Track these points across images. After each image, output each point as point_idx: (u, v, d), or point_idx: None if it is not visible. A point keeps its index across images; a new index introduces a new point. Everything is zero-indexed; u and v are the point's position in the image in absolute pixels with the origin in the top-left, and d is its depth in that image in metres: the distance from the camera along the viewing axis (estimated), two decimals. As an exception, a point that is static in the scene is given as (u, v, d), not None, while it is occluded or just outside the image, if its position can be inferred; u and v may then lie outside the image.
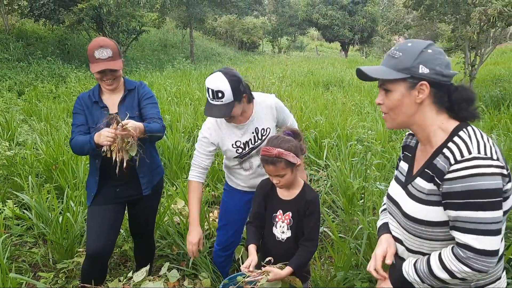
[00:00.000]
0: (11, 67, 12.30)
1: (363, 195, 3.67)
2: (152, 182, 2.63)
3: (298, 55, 33.06)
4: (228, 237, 2.77)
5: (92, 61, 2.37)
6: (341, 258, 2.93)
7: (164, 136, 5.30)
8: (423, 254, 1.47)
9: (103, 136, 2.17)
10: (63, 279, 2.99)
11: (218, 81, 2.18)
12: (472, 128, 1.38)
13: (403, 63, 1.35)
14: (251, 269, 1.97)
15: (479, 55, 11.09)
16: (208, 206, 4.05)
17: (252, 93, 2.43)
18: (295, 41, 38.12)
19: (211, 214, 3.74)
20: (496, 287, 1.44)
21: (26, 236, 3.54)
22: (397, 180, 1.61)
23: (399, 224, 1.55)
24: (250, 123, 2.44)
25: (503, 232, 1.33)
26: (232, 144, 2.44)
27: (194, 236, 2.46)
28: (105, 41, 2.40)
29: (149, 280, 2.40)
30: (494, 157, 1.28)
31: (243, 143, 2.45)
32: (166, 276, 2.51)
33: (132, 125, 2.19)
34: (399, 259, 1.55)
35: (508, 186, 1.29)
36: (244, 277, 2.35)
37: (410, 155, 1.59)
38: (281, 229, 2.10)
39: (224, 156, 2.65)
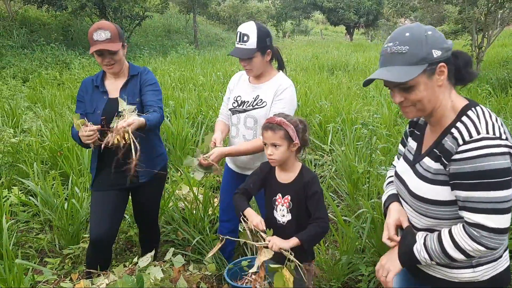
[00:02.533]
0: (15, 54, 12.28)
1: (368, 180, 3.65)
2: (151, 169, 2.54)
3: (303, 39, 32.76)
4: (225, 205, 2.81)
5: (91, 43, 2.37)
6: (346, 242, 2.93)
7: (168, 122, 5.31)
8: (429, 231, 1.48)
9: (82, 136, 2.24)
10: (69, 265, 3.02)
11: (248, 26, 2.40)
12: (481, 107, 1.37)
13: (418, 55, 1.30)
14: (261, 228, 1.96)
15: (486, 37, 10.90)
16: (213, 192, 4.05)
17: (281, 72, 2.58)
18: (300, 25, 37.69)
19: (215, 200, 3.75)
20: (498, 265, 1.45)
21: (32, 223, 3.57)
22: (406, 159, 1.61)
23: (406, 202, 1.56)
24: (258, 88, 2.55)
25: None
26: (235, 96, 2.63)
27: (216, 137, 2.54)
28: (104, 23, 2.39)
29: (154, 265, 2.42)
30: (503, 136, 1.29)
31: (242, 100, 2.59)
32: (171, 261, 2.53)
33: (135, 127, 2.19)
34: (412, 227, 1.55)
35: None
36: (249, 262, 2.36)
37: (419, 133, 1.58)
38: (282, 213, 2.10)
39: None
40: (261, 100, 2.51)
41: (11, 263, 2.64)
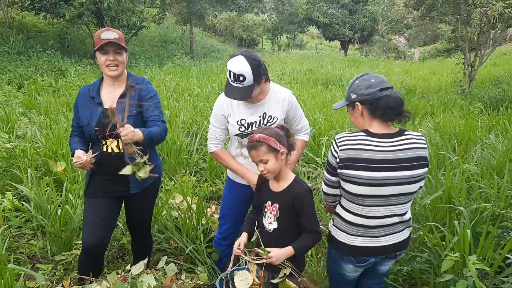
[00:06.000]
0: (11, 60, 12.26)
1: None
2: (144, 181, 2.50)
3: (298, 53, 33.03)
4: (226, 228, 2.83)
5: (97, 42, 2.38)
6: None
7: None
8: None
9: (73, 161, 2.37)
10: (62, 271, 3.01)
11: (240, 65, 2.28)
12: (361, 132, 1.98)
13: (346, 94, 2.09)
14: (241, 247, 2.10)
15: (479, 56, 11.09)
16: (206, 201, 4.07)
17: (271, 82, 2.55)
18: (295, 39, 38.05)
19: (208, 209, 3.77)
20: None
21: (25, 228, 3.55)
22: None
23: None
24: (260, 106, 2.52)
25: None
26: (237, 121, 2.52)
27: (254, 177, 2.48)
28: (111, 28, 2.45)
29: (147, 273, 2.43)
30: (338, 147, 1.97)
31: (248, 123, 2.52)
32: (164, 269, 2.54)
33: (129, 138, 2.22)
34: None
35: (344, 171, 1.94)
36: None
37: None
38: (269, 220, 2.15)
39: (229, 142, 2.72)
40: (270, 116, 2.52)
41: (3, 267, 2.63)
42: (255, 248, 2.02)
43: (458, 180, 3.60)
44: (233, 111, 2.54)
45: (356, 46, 38.41)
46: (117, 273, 2.41)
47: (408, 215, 2.07)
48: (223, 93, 2.54)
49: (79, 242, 3.19)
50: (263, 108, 2.52)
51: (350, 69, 17.70)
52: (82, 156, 2.35)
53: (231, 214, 2.80)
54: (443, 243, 2.81)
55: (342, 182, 1.99)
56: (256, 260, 1.98)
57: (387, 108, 1.91)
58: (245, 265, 2.12)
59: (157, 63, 16.70)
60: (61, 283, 2.79)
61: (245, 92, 2.33)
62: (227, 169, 2.78)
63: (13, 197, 3.75)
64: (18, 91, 9.60)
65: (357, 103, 1.99)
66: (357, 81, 2.00)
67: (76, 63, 13.66)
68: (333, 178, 2.02)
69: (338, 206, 2.11)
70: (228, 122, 2.56)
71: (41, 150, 4.79)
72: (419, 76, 15.28)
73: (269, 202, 2.16)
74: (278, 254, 1.99)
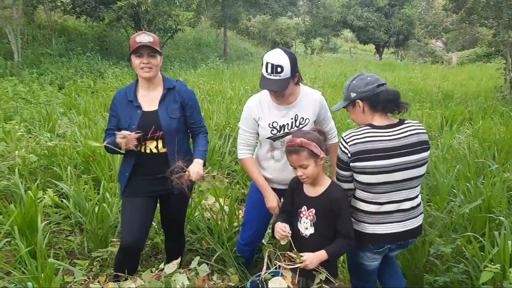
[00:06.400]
0: (53, 62, 12.76)
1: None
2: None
3: (331, 56, 32.74)
4: (251, 234, 2.82)
5: (133, 45, 2.43)
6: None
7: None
8: None
9: (118, 136, 2.38)
10: (97, 267, 3.10)
11: (279, 57, 2.29)
12: (365, 126, 2.12)
13: (345, 95, 2.23)
14: (287, 231, 2.08)
15: (521, 61, 10.69)
16: (238, 204, 4.09)
17: (301, 84, 2.54)
18: (329, 42, 37.72)
19: (240, 212, 3.79)
20: None
21: (64, 224, 3.69)
22: None
23: None
24: (292, 108, 2.50)
25: None
26: (269, 124, 2.50)
27: (273, 200, 2.54)
28: (147, 32, 2.50)
29: (180, 273, 2.47)
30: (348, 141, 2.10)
31: (280, 126, 2.50)
32: (196, 270, 2.57)
33: (197, 176, 2.49)
34: None
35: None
36: (272, 275, 2.38)
37: None
38: (305, 225, 2.14)
39: (258, 144, 2.70)
40: (302, 118, 2.51)
41: (43, 262, 2.73)
42: (288, 252, 2.02)
43: (498, 189, 3.48)
44: (264, 114, 2.52)
45: (391, 50, 37.71)
46: (151, 272, 2.46)
47: (419, 199, 2.21)
48: (253, 96, 2.55)
49: (115, 239, 3.29)
50: (295, 110, 2.51)
51: (384, 73, 17.39)
52: (125, 132, 2.38)
53: (255, 219, 2.78)
54: (482, 253, 2.72)
55: (355, 175, 2.12)
56: (291, 264, 1.98)
57: (387, 101, 2.10)
58: (279, 269, 2.10)
59: (191, 66, 16.97)
60: (97, 279, 2.87)
61: (281, 84, 2.31)
62: None
63: (54, 194, 3.89)
64: (59, 92, 9.99)
65: (358, 100, 2.15)
66: (354, 81, 2.18)
67: (114, 65, 14.09)
68: (346, 173, 2.15)
69: (353, 199, 2.21)
70: (258, 125, 2.55)
71: (80, 149, 4.96)
72: (457, 81, 14.85)
73: (304, 207, 2.15)
74: (311, 258, 1.98)
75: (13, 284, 2.62)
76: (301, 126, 2.50)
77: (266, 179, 2.63)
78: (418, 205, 2.20)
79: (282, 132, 2.51)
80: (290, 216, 2.26)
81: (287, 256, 2.02)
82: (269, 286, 2.03)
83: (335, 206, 2.06)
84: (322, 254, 2.00)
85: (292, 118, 2.50)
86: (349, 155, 2.07)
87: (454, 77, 16.29)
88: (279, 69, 2.28)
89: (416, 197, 2.19)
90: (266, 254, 2.15)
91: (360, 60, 28.52)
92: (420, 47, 32.34)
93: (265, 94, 2.55)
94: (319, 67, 18.68)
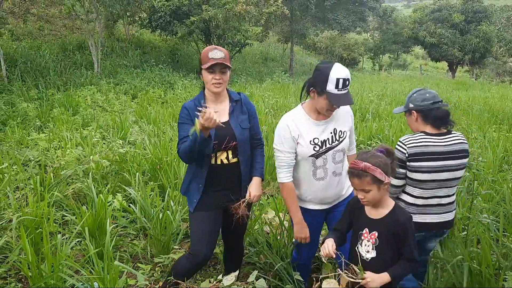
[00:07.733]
0: (128, 73, 13.56)
1: (466, 227, 3.39)
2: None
3: (400, 73, 31.79)
4: (305, 256, 2.82)
5: (205, 61, 2.47)
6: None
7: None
8: None
9: (204, 122, 2.23)
10: (159, 273, 3.19)
11: (345, 70, 2.30)
12: (420, 133, 2.53)
13: (405, 104, 2.64)
14: (331, 250, 2.02)
15: None
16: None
17: None
18: (398, 59, 36.72)
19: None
20: None
21: (130, 229, 3.84)
22: None
23: None
24: (330, 121, 2.48)
25: None
26: (310, 141, 2.44)
27: (306, 231, 2.57)
28: (218, 47, 2.54)
29: (237, 286, 2.48)
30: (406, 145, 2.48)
31: (321, 141, 2.45)
32: (253, 284, 2.56)
33: (257, 200, 2.66)
34: None
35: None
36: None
37: None
38: (366, 248, 2.05)
39: (296, 167, 2.58)
40: (341, 131, 2.50)
41: (109, 264, 2.86)
42: (353, 265, 1.95)
43: None
44: (302, 132, 2.44)
45: (465, 68, 35.83)
46: (210, 282, 2.49)
47: (454, 197, 2.61)
48: (286, 116, 2.53)
49: (177, 247, 3.37)
50: (333, 124, 2.47)
51: (457, 92, 16.53)
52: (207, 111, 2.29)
53: (308, 243, 2.69)
54: None
55: (409, 173, 2.48)
56: (352, 278, 1.91)
57: (437, 118, 2.50)
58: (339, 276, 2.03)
59: (257, 80, 17.24)
60: (158, 285, 2.95)
61: (351, 96, 2.35)
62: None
63: (122, 199, 4.08)
64: (132, 101, 10.56)
65: (413, 111, 2.56)
66: (415, 94, 2.60)
67: (184, 77, 14.68)
68: (402, 170, 2.48)
69: (403, 193, 2.57)
70: (297, 144, 2.46)
71: (149, 156, 5.18)
72: (540, 103, 13.72)
73: (366, 230, 2.07)
74: (374, 277, 1.90)
75: (81, 283, 2.75)
76: (341, 139, 2.49)
77: (302, 201, 2.59)
78: (453, 202, 2.60)
79: (324, 148, 2.45)
80: (342, 235, 2.19)
81: (350, 268, 1.94)
82: (322, 284, 2.03)
83: (400, 229, 1.97)
84: (385, 277, 1.92)
85: (331, 133, 2.47)
86: (406, 155, 2.44)
87: (536, 99, 15.08)
88: (347, 82, 2.29)
89: (453, 194, 2.59)
90: (323, 254, 2.07)
91: (431, 77, 27.38)
92: (497, 66, 30.43)
93: (298, 111, 2.52)
94: (387, 83, 18.17)
